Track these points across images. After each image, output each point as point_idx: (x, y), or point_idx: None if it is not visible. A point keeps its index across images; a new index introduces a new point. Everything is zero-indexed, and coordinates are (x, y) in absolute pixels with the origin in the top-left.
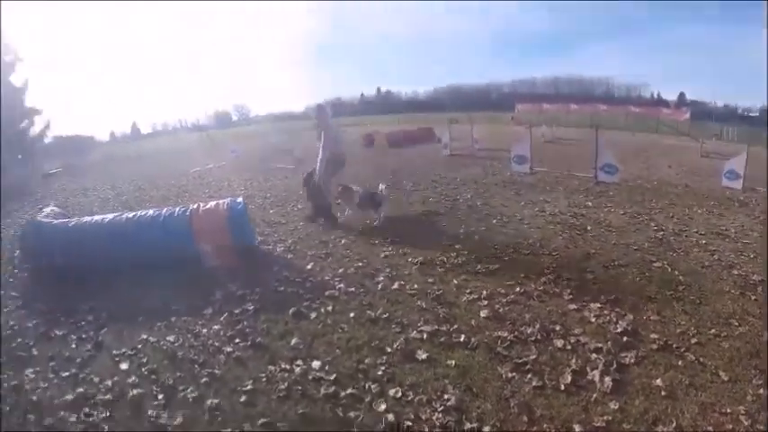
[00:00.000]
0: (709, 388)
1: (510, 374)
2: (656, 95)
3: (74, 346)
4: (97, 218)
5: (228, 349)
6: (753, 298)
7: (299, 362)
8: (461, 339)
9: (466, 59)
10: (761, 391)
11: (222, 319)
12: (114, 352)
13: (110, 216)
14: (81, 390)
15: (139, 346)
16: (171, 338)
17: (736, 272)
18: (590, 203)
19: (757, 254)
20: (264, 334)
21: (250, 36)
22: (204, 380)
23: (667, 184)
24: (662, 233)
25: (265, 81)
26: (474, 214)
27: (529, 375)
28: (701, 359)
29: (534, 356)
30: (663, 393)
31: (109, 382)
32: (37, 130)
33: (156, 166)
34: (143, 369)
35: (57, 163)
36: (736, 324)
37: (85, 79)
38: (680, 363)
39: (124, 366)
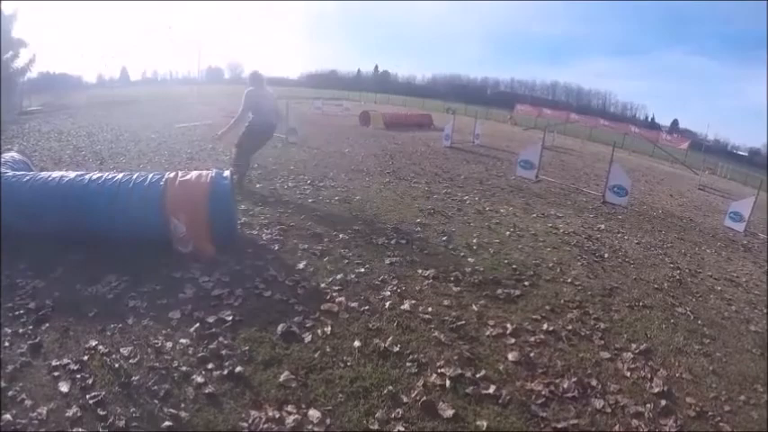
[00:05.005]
0: None
1: None
2: (650, 118)
3: (6, 344)
4: (56, 175)
5: (199, 379)
6: None
7: (291, 408)
8: (490, 391)
9: (465, 52)
10: None
11: (192, 330)
12: (54, 362)
13: (71, 174)
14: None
15: (86, 358)
16: (125, 351)
17: (753, 328)
18: (602, 226)
19: None
20: (246, 360)
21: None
22: (165, 424)
23: (672, 216)
24: (678, 272)
25: (264, 45)
26: (485, 222)
27: None
28: None
29: (574, 420)
30: None
31: (43, 410)
32: (21, 64)
33: (139, 115)
34: (87, 396)
35: (39, 100)
36: (761, 390)
37: (81, 19)
38: None
39: (64, 389)
